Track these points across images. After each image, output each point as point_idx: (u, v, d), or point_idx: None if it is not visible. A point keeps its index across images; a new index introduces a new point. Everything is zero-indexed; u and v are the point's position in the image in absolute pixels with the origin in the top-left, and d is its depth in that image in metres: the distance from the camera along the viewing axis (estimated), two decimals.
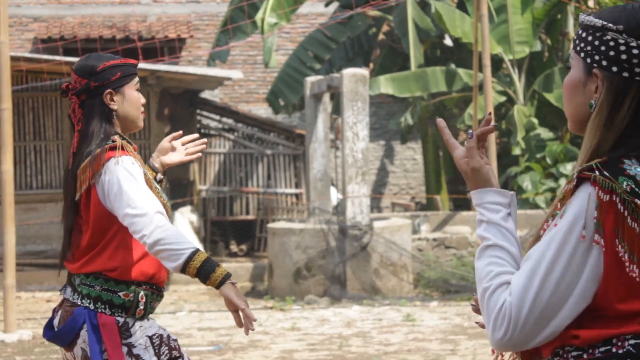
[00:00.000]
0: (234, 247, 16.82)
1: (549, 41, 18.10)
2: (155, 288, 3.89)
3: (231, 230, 17.13)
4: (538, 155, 16.54)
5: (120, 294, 3.80)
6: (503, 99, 17.22)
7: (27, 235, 15.25)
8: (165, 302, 13.46)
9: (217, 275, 3.60)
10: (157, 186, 3.89)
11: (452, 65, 17.74)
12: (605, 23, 2.28)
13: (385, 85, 16.54)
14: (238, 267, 15.16)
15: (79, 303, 3.83)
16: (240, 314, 3.60)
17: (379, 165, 21.57)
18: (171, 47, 19.87)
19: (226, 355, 9.46)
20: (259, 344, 9.95)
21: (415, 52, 16.91)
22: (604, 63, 2.27)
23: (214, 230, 17.03)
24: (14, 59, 12.38)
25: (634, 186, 2.18)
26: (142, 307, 3.83)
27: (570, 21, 17.89)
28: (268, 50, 17.53)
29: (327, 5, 20.25)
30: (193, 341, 10.38)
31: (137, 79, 3.96)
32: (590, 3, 17.81)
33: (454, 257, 14.15)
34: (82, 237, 3.85)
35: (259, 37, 19.02)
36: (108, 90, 3.87)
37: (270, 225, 14.29)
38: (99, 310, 3.81)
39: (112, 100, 3.88)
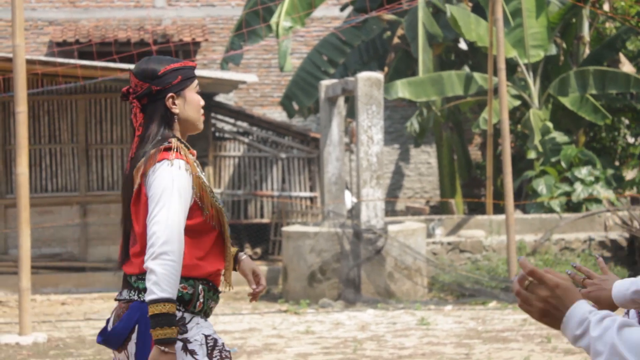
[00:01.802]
0: (248, 251, 16.84)
1: (564, 45, 18.07)
2: (212, 286, 3.84)
3: (246, 234, 17.14)
4: (553, 159, 16.50)
5: (179, 286, 3.73)
6: (518, 102, 17.19)
7: (42, 238, 15.29)
8: None
9: (158, 333, 3.57)
10: (211, 190, 3.85)
11: (467, 69, 17.73)
12: None
13: (402, 89, 16.53)
14: None
15: (135, 298, 3.80)
16: None
17: (394, 169, 21.55)
18: (186, 51, 19.90)
19: (240, 359, 9.46)
20: (273, 348, 9.95)
21: (424, 57, 16.89)
22: None
23: (229, 234, 17.02)
24: (29, 62, 12.42)
25: None
26: (201, 300, 3.78)
27: (585, 25, 17.86)
28: (283, 54, 17.54)
29: (342, 9, 20.26)
30: None
31: (196, 81, 3.94)
32: (606, 7, 17.79)
33: (468, 260, 14.13)
34: (137, 237, 3.81)
35: (274, 41, 19.05)
36: (170, 94, 3.86)
37: (285, 228, 14.30)
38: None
39: (174, 103, 3.87)
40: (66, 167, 15.71)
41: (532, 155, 16.73)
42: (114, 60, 14.81)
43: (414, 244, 13.37)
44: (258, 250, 16.81)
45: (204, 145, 16.81)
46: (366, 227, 13.24)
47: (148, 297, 3.60)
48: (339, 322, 11.53)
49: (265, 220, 17.21)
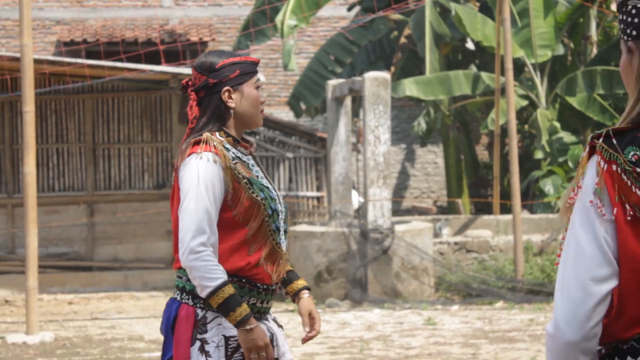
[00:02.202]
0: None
1: (571, 45, 18.05)
2: (247, 282, 3.78)
3: None
4: (560, 159, 16.49)
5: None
6: (525, 102, 17.18)
7: (49, 238, 15.30)
8: None
9: (236, 315, 3.63)
10: (248, 183, 3.78)
11: (474, 69, 17.71)
12: None
13: (410, 88, 16.53)
14: None
15: (173, 296, 3.84)
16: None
17: (400, 169, 21.55)
18: (193, 50, 19.91)
19: None
20: None
21: (431, 57, 16.88)
22: (634, 33, 2.23)
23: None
24: (37, 61, 12.43)
25: None
26: None
27: (593, 25, 17.83)
28: (287, 53, 17.55)
29: (349, 9, 20.26)
30: None
31: (257, 77, 3.91)
32: (613, 6, 17.75)
33: (475, 260, 14.12)
34: (174, 233, 3.82)
35: (281, 41, 19.05)
36: (226, 88, 3.83)
37: (292, 228, 14.31)
38: (183, 301, 3.78)
39: (230, 98, 3.83)
40: (73, 166, 15.72)
41: (539, 155, 16.71)
42: (121, 60, 14.82)
43: (420, 244, 13.36)
44: None
45: None
46: (373, 227, 13.24)
47: (203, 294, 3.63)
48: (345, 322, 11.53)
49: None
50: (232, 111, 3.85)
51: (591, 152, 2.20)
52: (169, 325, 3.78)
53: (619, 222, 2.14)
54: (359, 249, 13.24)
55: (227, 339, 3.72)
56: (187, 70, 15.45)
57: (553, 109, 17.34)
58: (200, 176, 3.69)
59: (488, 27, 16.32)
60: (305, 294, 4.02)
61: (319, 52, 18.87)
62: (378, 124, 13.43)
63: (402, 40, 19.41)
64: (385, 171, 13.47)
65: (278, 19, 16.53)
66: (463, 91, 16.77)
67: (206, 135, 3.76)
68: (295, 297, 4.02)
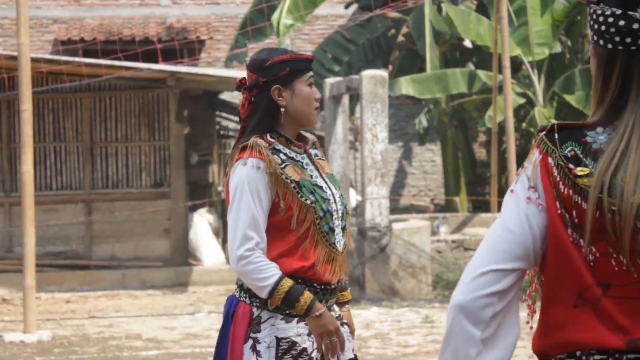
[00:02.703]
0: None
1: (569, 43, 18.05)
2: (303, 282, 3.77)
3: None
4: None
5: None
6: (523, 100, 17.18)
7: (47, 236, 15.29)
8: (184, 303, 13.49)
9: (301, 305, 3.68)
10: (295, 185, 3.77)
11: (472, 67, 17.71)
12: None
13: (406, 86, 16.53)
14: None
15: (234, 292, 3.90)
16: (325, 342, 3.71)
17: (398, 167, 21.55)
18: (190, 49, 19.90)
19: None
20: None
21: (431, 55, 16.88)
22: (595, 38, 2.22)
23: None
24: (34, 60, 12.43)
25: (579, 152, 2.12)
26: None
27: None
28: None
29: (346, 7, 20.26)
30: (212, 342, 10.39)
31: (309, 74, 3.85)
32: None
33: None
34: None
35: (277, 39, 19.05)
36: (276, 86, 3.79)
37: None
38: (241, 299, 3.81)
39: (280, 96, 3.80)
40: (71, 165, 15.71)
41: None
42: (118, 59, 14.81)
43: (418, 242, 13.37)
44: None
45: (208, 143, 16.81)
46: (370, 225, 13.24)
47: (263, 294, 3.67)
48: None
49: None
50: (283, 109, 3.82)
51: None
52: (227, 321, 3.82)
53: (551, 214, 2.12)
54: (357, 247, 13.24)
55: (278, 340, 3.73)
56: (184, 69, 15.45)
57: (551, 107, 17.34)
58: (245, 183, 3.70)
59: (483, 26, 16.31)
60: (345, 310, 4.11)
61: (316, 50, 18.87)
62: (375, 122, 13.43)
63: (400, 38, 19.39)
64: (382, 169, 13.47)
65: (274, 18, 16.53)
66: (460, 89, 16.77)
67: (253, 140, 3.74)
68: (340, 305, 4.08)
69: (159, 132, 15.76)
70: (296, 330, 3.76)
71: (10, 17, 20.29)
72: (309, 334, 3.77)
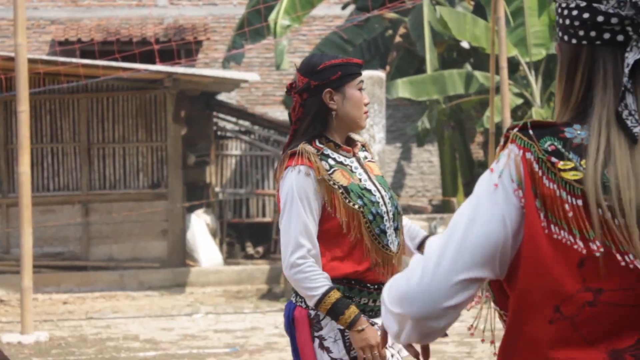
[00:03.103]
0: (250, 249, 16.83)
1: None
2: (356, 283, 3.85)
3: (247, 232, 17.14)
4: None
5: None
6: (520, 101, 17.19)
7: (44, 237, 15.29)
8: (182, 304, 13.49)
9: (345, 318, 3.73)
10: (343, 191, 3.82)
11: (469, 68, 17.71)
12: None
13: (403, 88, 16.53)
14: (254, 269, 15.16)
15: (290, 298, 4.00)
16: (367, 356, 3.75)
17: (396, 168, 21.55)
18: (188, 50, 19.89)
19: (242, 358, 9.46)
20: (275, 347, 9.95)
21: (430, 55, 16.89)
22: (560, 34, 2.14)
23: (230, 232, 17.04)
24: (31, 61, 12.43)
25: (560, 147, 2.02)
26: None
27: None
28: (280, 53, 17.56)
29: (343, 7, 20.26)
30: (209, 343, 10.39)
31: (360, 78, 3.91)
32: None
33: None
34: None
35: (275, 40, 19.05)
36: (327, 90, 3.85)
37: None
38: (298, 304, 3.90)
39: (331, 99, 3.85)
40: (68, 166, 15.71)
41: None
42: (116, 59, 14.82)
43: None
44: (260, 249, 16.81)
45: (205, 144, 16.81)
46: None
47: (311, 303, 3.77)
48: None
49: (267, 219, 17.21)
50: (334, 113, 3.87)
51: (506, 143, 2.09)
52: (288, 327, 3.93)
53: (529, 214, 2.01)
54: None
55: (342, 332, 3.81)
56: (181, 70, 15.45)
57: (548, 108, 17.35)
58: (295, 190, 3.76)
59: (479, 27, 16.31)
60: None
61: (313, 51, 18.86)
62: (373, 123, 13.43)
63: (397, 39, 19.39)
64: (380, 170, 13.47)
65: (271, 18, 16.52)
66: (457, 90, 16.77)
67: (301, 147, 3.80)
68: None
69: (157, 132, 15.76)
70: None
71: (8, 18, 20.27)
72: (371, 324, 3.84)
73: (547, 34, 16.69)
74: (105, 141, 15.75)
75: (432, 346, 9.80)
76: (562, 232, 2.00)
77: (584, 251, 1.98)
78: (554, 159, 2.01)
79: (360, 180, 3.88)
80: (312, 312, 3.84)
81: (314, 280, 3.73)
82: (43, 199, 15.32)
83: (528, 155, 2.03)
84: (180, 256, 15.32)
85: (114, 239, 15.50)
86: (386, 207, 3.92)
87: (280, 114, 20.57)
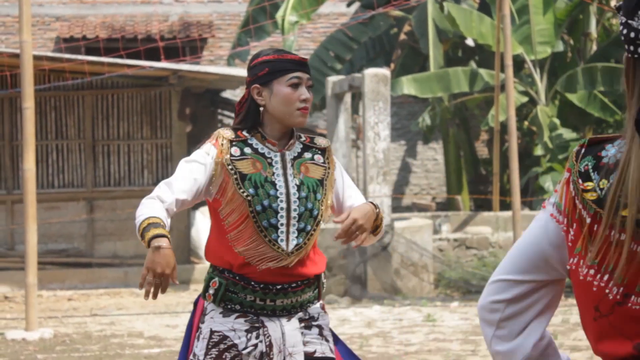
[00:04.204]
0: None
1: (571, 41, 18.04)
2: (240, 279, 3.88)
3: None
4: (560, 156, 16.49)
5: (206, 276, 3.98)
6: (525, 99, 17.17)
7: (49, 234, 15.30)
8: (186, 300, 13.49)
9: (149, 235, 3.73)
10: (237, 177, 3.88)
11: (474, 66, 17.69)
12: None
13: (408, 85, 16.52)
14: None
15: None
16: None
17: (400, 166, 21.54)
18: (193, 47, 19.90)
19: None
20: None
21: (434, 53, 16.88)
22: (626, 47, 2.16)
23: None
24: (36, 58, 12.43)
25: (591, 167, 2.10)
26: (211, 292, 3.91)
27: (593, 21, 17.82)
28: (288, 49, 17.54)
29: (348, 5, 20.25)
30: None
31: (292, 74, 3.94)
32: (613, 3, 17.74)
33: (474, 257, 14.13)
34: None
35: (280, 37, 19.05)
36: (254, 85, 3.95)
37: None
38: (201, 295, 4.01)
39: (259, 95, 3.95)
40: (73, 163, 15.72)
41: (539, 151, 16.70)
42: (121, 56, 14.82)
43: (420, 241, 13.36)
44: None
45: None
46: None
47: (138, 235, 3.83)
48: (345, 319, 11.53)
49: None
50: (261, 108, 3.98)
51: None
52: (191, 314, 4.02)
53: (569, 236, 2.15)
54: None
55: (212, 332, 3.86)
56: (186, 67, 15.45)
57: (553, 106, 17.33)
58: (189, 158, 3.93)
59: (485, 25, 16.31)
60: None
61: (318, 48, 18.86)
62: (378, 121, 13.43)
63: (402, 36, 19.39)
64: (384, 168, 13.47)
65: (278, 15, 16.52)
66: (462, 88, 16.76)
67: (218, 130, 3.97)
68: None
69: (161, 130, 15.76)
70: (231, 325, 3.86)
71: (13, 15, 20.29)
72: (246, 331, 3.85)
73: (552, 32, 16.67)
74: (110, 138, 15.76)
75: (437, 344, 9.80)
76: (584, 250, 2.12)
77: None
78: (581, 180, 2.11)
79: (272, 174, 3.92)
80: (205, 305, 3.92)
81: (143, 207, 3.79)
82: (48, 195, 15.33)
83: (570, 176, 2.14)
84: (185, 253, 15.33)
85: (119, 236, 15.51)
86: (289, 204, 3.92)
87: None
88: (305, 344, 3.92)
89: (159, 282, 3.73)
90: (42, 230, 14.40)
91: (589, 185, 2.09)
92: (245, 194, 3.85)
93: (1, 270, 14.74)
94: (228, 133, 3.95)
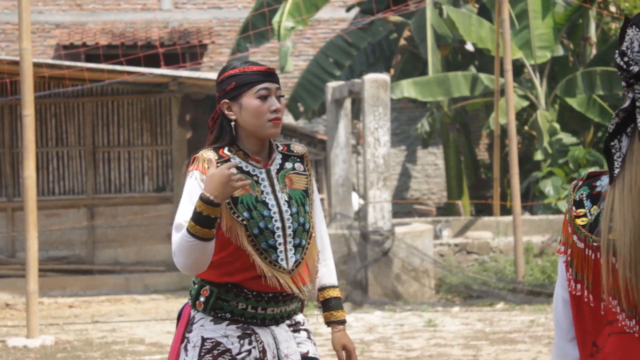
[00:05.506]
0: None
1: (571, 46, 18.05)
2: (233, 287, 3.85)
3: None
4: (560, 161, 16.49)
5: (195, 285, 3.91)
6: (525, 103, 17.18)
7: (50, 241, 15.30)
8: None
9: (199, 205, 3.72)
10: (229, 202, 3.81)
11: (474, 70, 17.69)
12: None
13: (408, 89, 16.53)
14: None
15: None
16: None
17: (401, 171, 21.55)
18: (193, 53, 19.91)
19: None
20: None
21: (433, 58, 16.89)
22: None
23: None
24: (36, 65, 12.44)
25: (585, 195, 2.15)
26: (202, 299, 3.86)
27: (592, 26, 17.84)
28: (284, 55, 17.57)
29: (348, 10, 20.27)
30: None
31: (260, 86, 3.87)
32: (612, 8, 17.76)
33: (475, 262, 14.12)
34: None
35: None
36: (224, 101, 3.89)
37: None
38: (188, 302, 3.96)
39: (229, 110, 3.88)
40: (73, 169, 15.73)
41: (539, 156, 16.71)
42: (120, 63, 14.83)
43: (421, 246, 13.36)
44: None
45: None
46: (373, 228, 13.24)
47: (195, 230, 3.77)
48: (346, 324, 11.50)
49: None
50: (233, 124, 3.89)
51: None
52: (177, 321, 4.00)
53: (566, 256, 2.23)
54: (360, 250, 13.24)
55: (204, 340, 3.84)
56: (186, 74, 15.45)
57: (553, 110, 17.34)
58: (186, 191, 3.81)
59: (484, 29, 16.32)
60: (338, 329, 4.12)
61: (318, 54, 18.87)
62: (378, 126, 13.44)
63: (402, 42, 19.40)
64: (385, 173, 13.48)
65: (275, 21, 16.55)
66: (462, 92, 16.77)
67: (201, 153, 3.85)
68: (330, 325, 4.12)
69: (162, 136, 15.77)
70: (223, 332, 3.84)
71: (13, 22, 20.31)
72: (239, 337, 3.83)
73: (552, 37, 16.68)
74: (110, 145, 15.76)
75: (438, 349, 9.81)
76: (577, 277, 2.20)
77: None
78: (574, 208, 2.16)
79: (262, 192, 3.87)
80: (192, 313, 3.89)
81: (176, 239, 3.73)
82: (48, 202, 15.34)
83: (567, 206, 2.20)
84: None
85: (119, 243, 15.51)
86: (283, 222, 3.87)
87: (285, 117, 20.59)
88: (297, 344, 3.94)
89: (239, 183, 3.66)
90: (43, 237, 14.40)
91: (581, 211, 2.14)
92: (239, 218, 3.80)
93: (2, 278, 14.73)
94: (210, 154, 3.84)
